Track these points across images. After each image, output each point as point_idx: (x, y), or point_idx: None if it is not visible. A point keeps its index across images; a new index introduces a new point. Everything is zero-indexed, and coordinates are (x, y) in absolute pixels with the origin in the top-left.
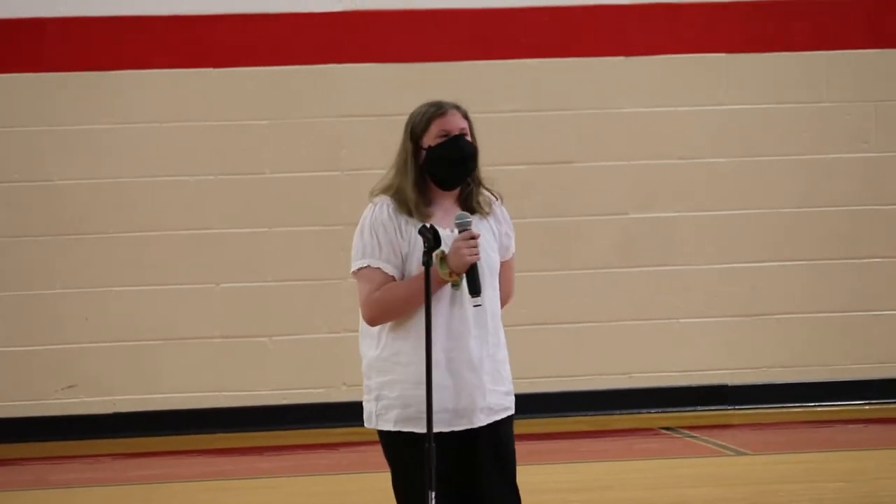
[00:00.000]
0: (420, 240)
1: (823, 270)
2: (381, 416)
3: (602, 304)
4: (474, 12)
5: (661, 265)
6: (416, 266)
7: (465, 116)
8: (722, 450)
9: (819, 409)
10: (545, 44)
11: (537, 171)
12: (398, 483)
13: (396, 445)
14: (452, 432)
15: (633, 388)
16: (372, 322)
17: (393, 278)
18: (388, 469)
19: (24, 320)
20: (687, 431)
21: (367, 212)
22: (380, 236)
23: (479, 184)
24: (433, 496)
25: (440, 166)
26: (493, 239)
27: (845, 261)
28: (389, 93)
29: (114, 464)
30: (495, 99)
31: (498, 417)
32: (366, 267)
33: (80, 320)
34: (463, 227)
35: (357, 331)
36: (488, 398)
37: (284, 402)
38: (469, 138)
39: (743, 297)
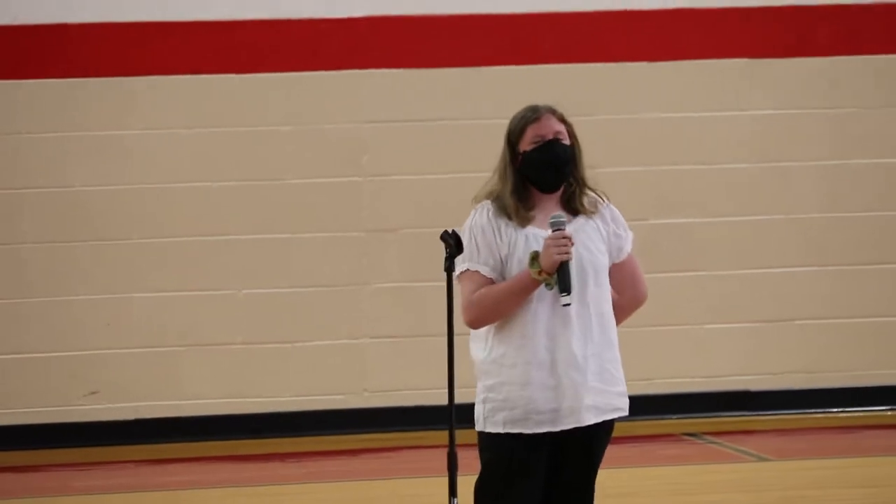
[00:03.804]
0: (521, 243)
1: (844, 276)
2: (488, 419)
3: None
4: (498, 18)
5: (682, 271)
6: (515, 269)
7: (562, 119)
8: (745, 456)
9: (842, 414)
10: (569, 49)
11: None
12: (491, 483)
13: (502, 446)
14: (561, 431)
15: (655, 393)
16: (472, 324)
17: (492, 281)
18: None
19: (46, 326)
20: (710, 437)
21: (470, 217)
22: (478, 240)
23: (583, 184)
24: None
25: (536, 171)
26: (598, 239)
27: (866, 266)
28: (411, 98)
29: (137, 470)
30: (518, 104)
31: (608, 417)
32: (466, 270)
33: (102, 326)
34: (556, 227)
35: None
36: (595, 397)
37: (306, 408)
38: (565, 141)
39: (764, 303)
